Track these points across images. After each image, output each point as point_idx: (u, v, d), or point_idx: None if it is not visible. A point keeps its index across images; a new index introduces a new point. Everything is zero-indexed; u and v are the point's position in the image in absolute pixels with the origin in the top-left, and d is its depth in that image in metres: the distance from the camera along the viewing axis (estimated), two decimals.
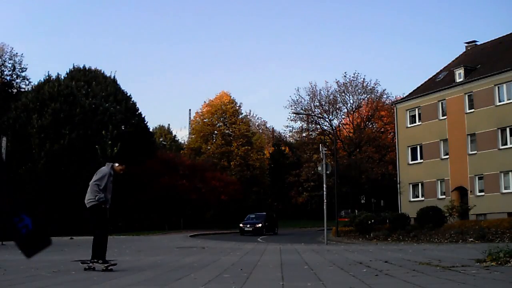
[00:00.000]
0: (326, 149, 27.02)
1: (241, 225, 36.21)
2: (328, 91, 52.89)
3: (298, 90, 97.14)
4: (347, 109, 54.08)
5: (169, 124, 71.30)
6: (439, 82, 38.04)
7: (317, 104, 52.82)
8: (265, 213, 39.36)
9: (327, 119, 52.15)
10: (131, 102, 46.23)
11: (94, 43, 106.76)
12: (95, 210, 7.99)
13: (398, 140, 39.88)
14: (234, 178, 51.94)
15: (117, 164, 8.77)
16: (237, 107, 59.87)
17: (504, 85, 32.00)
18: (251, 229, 35.00)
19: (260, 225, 35.57)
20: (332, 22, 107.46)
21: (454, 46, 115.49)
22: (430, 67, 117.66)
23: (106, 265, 7.64)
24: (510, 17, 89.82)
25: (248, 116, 66.06)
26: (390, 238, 25.01)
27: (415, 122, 38.33)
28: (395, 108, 41.16)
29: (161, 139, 64.06)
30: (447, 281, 5.65)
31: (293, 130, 57.75)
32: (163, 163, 44.63)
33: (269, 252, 12.86)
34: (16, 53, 48.88)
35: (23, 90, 47.52)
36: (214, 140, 58.20)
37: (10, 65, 48.52)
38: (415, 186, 38.03)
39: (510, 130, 31.52)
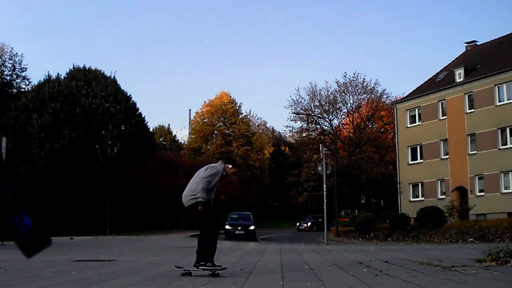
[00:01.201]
0: (326, 149, 27.02)
1: (228, 226, 29.11)
2: (328, 91, 52.94)
3: (298, 90, 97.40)
4: (347, 109, 54.10)
5: (169, 124, 71.44)
6: (439, 82, 38.04)
7: (317, 104, 52.85)
8: (250, 213, 33.43)
9: (327, 119, 52.16)
10: (131, 102, 46.29)
11: (94, 43, 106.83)
12: (196, 208, 6.98)
13: (398, 140, 39.88)
14: (234, 178, 51.93)
15: (230, 166, 7.58)
16: (237, 107, 59.92)
17: (504, 85, 32.00)
18: (243, 232, 28.80)
19: (253, 227, 29.69)
20: (332, 22, 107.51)
21: (454, 46, 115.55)
22: (430, 67, 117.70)
23: (214, 268, 6.75)
24: (510, 17, 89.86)
25: (248, 116, 66.15)
26: (390, 238, 25.02)
27: (415, 122, 38.33)
28: (395, 108, 41.17)
29: (161, 139, 64.11)
30: (447, 281, 5.65)
31: (293, 130, 57.79)
32: (163, 163, 44.65)
33: (269, 252, 12.86)
34: (16, 53, 49.04)
35: (23, 90, 47.58)
36: (214, 140, 58.23)
37: (10, 65, 48.61)
38: (415, 186, 38.03)
39: (510, 130, 31.51)
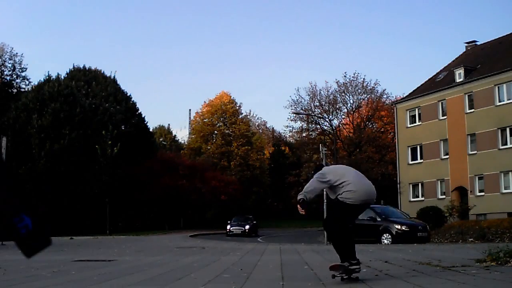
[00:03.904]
0: (326, 149, 27.01)
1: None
2: (328, 91, 52.86)
3: (298, 90, 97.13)
4: (347, 109, 54.01)
5: (169, 124, 71.45)
6: (439, 82, 38.05)
7: (317, 104, 52.78)
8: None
9: (327, 119, 52.13)
10: (131, 102, 46.32)
11: (94, 43, 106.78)
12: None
13: (398, 140, 39.89)
14: (234, 178, 51.95)
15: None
16: (237, 107, 59.91)
17: (504, 85, 32.02)
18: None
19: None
20: (332, 22, 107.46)
21: (454, 46, 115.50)
22: (430, 67, 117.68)
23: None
24: (510, 17, 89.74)
25: (248, 116, 66.10)
26: None
27: (415, 122, 38.35)
28: (395, 108, 41.19)
29: (161, 139, 64.10)
30: (447, 281, 5.65)
31: (293, 130, 57.74)
32: (163, 163, 44.67)
33: (269, 252, 12.85)
34: (16, 53, 49.02)
35: (23, 90, 47.58)
36: (214, 140, 58.22)
37: (10, 65, 48.61)
38: (415, 186, 38.04)
39: (510, 130, 31.53)
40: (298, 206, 6.10)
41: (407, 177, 37.83)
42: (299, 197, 6.09)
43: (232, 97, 59.75)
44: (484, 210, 31.05)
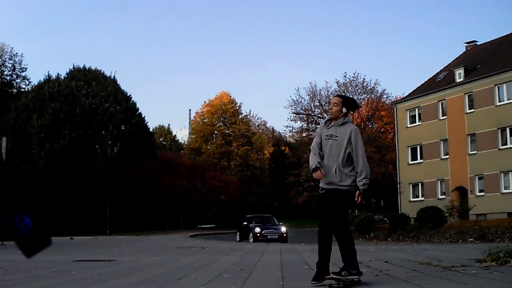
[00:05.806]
0: None
1: None
2: (328, 91, 52.83)
3: (298, 90, 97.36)
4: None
5: (169, 124, 71.48)
6: (439, 82, 38.05)
7: (317, 104, 52.80)
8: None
9: None
10: (131, 102, 46.34)
11: (94, 43, 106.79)
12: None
13: (398, 140, 39.89)
14: (234, 178, 51.96)
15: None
16: (237, 107, 59.92)
17: (504, 85, 32.02)
18: None
19: None
20: (332, 22, 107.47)
21: (454, 46, 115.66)
22: (430, 67, 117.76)
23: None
24: (510, 17, 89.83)
25: (248, 116, 66.13)
26: (390, 238, 25.02)
27: (415, 122, 38.35)
28: (395, 108, 41.19)
29: (161, 139, 64.13)
30: (447, 281, 5.65)
31: (293, 130, 57.80)
32: (163, 163, 44.68)
33: (269, 252, 12.85)
34: (16, 53, 49.15)
35: (23, 90, 47.65)
36: (214, 140, 58.23)
37: (10, 65, 48.70)
38: (415, 186, 38.04)
39: (510, 130, 31.53)
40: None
41: (407, 177, 37.83)
42: (365, 187, 5.59)
43: (232, 97, 59.83)
44: (484, 210, 31.04)
